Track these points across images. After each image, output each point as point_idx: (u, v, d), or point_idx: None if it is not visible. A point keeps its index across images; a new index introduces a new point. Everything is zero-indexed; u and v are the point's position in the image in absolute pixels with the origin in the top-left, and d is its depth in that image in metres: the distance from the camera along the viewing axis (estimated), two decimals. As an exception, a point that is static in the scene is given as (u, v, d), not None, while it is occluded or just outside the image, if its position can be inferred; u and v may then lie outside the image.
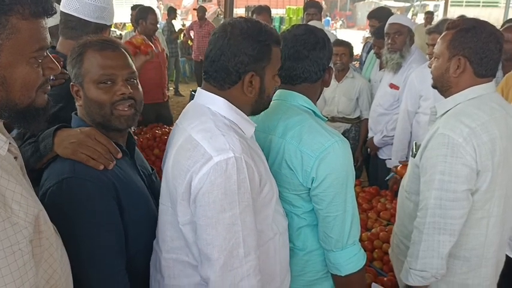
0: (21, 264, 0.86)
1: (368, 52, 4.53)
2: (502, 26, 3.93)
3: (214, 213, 1.23)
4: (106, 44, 1.41)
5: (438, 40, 1.77)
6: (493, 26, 1.71)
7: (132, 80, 1.43)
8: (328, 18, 20.12)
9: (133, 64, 1.46)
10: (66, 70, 1.71)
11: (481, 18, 1.76)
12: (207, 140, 1.26)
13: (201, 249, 1.28)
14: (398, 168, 2.94)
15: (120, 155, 1.41)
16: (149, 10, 4.84)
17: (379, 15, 4.45)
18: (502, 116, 1.69)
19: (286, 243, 1.51)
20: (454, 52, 1.69)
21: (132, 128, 1.52)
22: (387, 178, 3.24)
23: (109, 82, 1.38)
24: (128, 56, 1.44)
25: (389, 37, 3.48)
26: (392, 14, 4.52)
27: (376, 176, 3.80)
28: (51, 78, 1.69)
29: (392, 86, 3.54)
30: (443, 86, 1.77)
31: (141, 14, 4.74)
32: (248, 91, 1.36)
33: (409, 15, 17.69)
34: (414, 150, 1.84)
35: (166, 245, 1.39)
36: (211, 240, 1.25)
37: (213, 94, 1.37)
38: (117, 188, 1.35)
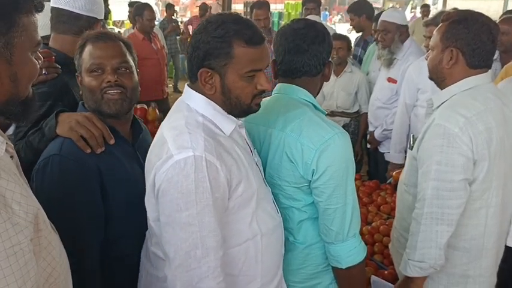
0: (22, 264, 0.87)
1: (358, 45, 4.54)
2: (500, 18, 3.92)
3: (171, 211, 1.23)
4: (100, 36, 1.52)
5: (434, 32, 1.79)
6: (486, 17, 1.72)
7: (122, 68, 1.51)
8: (326, 12, 20.06)
9: (127, 54, 1.54)
10: (59, 65, 1.78)
11: (480, 11, 1.77)
12: (173, 137, 1.27)
13: (162, 246, 1.29)
14: (394, 174, 2.98)
15: (112, 141, 1.49)
16: (145, 6, 4.85)
17: (355, 8, 4.51)
18: (498, 106, 1.69)
19: (274, 245, 1.46)
20: (447, 44, 1.70)
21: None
22: (386, 183, 3.27)
23: (99, 71, 1.48)
24: (121, 46, 1.54)
25: (379, 34, 3.57)
26: (370, 6, 4.56)
27: (376, 169, 3.81)
28: (44, 72, 1.72)
29: (390, 79, 3.56)
30: (438, 77, 1.78)
31: (138, 11, 4.75)
32: (206, 88, 1.32)
33: (408, 9, 17.60)
34: (411, 142, 1.85)
35: (151, 238, 1.43)
36: (168, 238, 1.25)
37: (191, 90, 1.38)
38: (100, 171, 1.44)
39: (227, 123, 1.36)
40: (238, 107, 1.35)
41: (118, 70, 1.49)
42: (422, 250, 1.68)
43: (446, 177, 1.62)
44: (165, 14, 10.42)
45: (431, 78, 1.83)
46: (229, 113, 1.36)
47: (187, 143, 1.24)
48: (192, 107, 1.35)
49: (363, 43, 4.55)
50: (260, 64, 1.32)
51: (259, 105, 1.39)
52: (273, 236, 1.44)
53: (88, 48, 1.49)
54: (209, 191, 1.22)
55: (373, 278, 2.06)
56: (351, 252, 1.53)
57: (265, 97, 1.73)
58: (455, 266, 1.75)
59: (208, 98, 1.34)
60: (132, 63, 1.55)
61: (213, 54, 1.28)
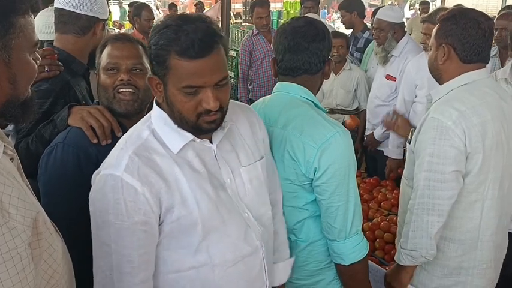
0: (20, 268, 0.86)
1: (353, 44, 4.55)
2: (498, 14, 3.94)
3: (93, 226, 1.22)
4: (118, 37, 1.61)
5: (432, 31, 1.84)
6: (476, 13, 1.77)
7: (137, 70, 1.55)
8: (325, 10, 20.02)
9: (143, 57, 1.58)
10: (61, 64, 1.82)
11: (479, 6, 1.81)
12: (113, 150, 1.26)
13: None
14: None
15: (120, 134, 1.51)
16: (143, 6, 4.88)
17: (346, 5, 4.54)
18: (495, 100, 1.72)
19: (237, 277, 1.32)
20: (440, 41, 1.76)
21: None
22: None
23: (114, 70, 1.54)
24: (138, 49, 1.58)
25: (374, 31, 3.60)
26: (361, 3, 4.58)
27: (375, 167, 3.80)
28: (46, 70, 1.74)
29: (388, 77, 3.55)
30: (435, 74, 1.83)
31: (136, 11, 4.79)
32: (158, 96, 1.24)
33: (407, 6, 17.56)
34: (409, 137, 1.88)
35: None
36: (93, 253, 1.23)
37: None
38: (99, 163, 1.43)
39: (175, 140, 1.24)
40: (184, 122, 1.22)
41: (132, 70, 1.54)
42: (414, 239, 1.72)
43: (437, 168, 1.66)
44: (160, 14, 10.44)
45: (433, 76, 1.87)
46: (179, 126, 1.24)
47: (114, 159, 1.21)
48: (151, 118, 1.29)
49: (353, 39, 4.56)
50: (199, 80, 1.16)
51: (214, 124, 1.23)
52: (235, 267, 1.31)
53: (107, 48, 1.56)
54: (124, 213, 1.16)
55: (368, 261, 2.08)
56: (354, 249, 1.54)
57: (265, 96, 1.75)
58: (449, 259, 1.78)
59: (163, 109, 1.26)
60: (147, 65, 1.56)
61: (155, 61, 1.20)
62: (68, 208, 1.40)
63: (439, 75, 1.81)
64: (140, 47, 1.60)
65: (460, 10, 1.79)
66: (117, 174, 1.17)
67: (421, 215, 1.70)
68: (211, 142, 1.30)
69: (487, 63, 1.78)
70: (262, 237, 1.37)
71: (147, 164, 1.19)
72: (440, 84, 1.83)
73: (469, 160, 1.66)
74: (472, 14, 1.74)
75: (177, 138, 1.24)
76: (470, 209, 1.72)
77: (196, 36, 1.13)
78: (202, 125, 1.22)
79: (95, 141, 1.49)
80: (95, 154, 1.48)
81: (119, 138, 1.45)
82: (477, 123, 1.64)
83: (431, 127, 1.67)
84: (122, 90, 1.52)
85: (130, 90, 1.53)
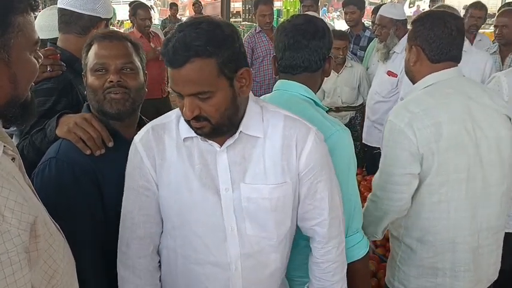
0: (8, 273, 0.83)
1: (355, 43, 4.54)
2: (498, 11, 3.94)
3: None
4: (106, 35, 1.50)
5: None
6: (445, 13, 1.80)
7: (127, 69, 1.48)
8: (324, 8, 19.99)
9: (133, 54, 1.51)
10: (64, 63, 1.81)
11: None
12: None
13: None
14: None
15: (111, 144, 1.46)
16: (139, 6, 4.89)
17: (357, 1, 4.51)
18: (458, 100, 1.70)
19: (194, 276, 1.36)
20: (410, 43, 1.79)
21: None
22: None
23: (103, 70, 1.46)
24: (128, 47, 1.50)
25: (376, 28, 3.63)
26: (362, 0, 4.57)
27: (374, 165, 3.79)
28: (49, 69, 1.74)
29: (390, 73, 3.56)
30: (410, 76, 1.85)
31: (133, 11, 4.80)
32: None
33: (407, 4, 17.54)
34: None
35: None
36: None
37: None
38: (97, 174, 1.43)
39: (184, 129, 1.30)
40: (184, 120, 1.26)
41: (122, 70, 1.46)
42: (364, 224, 1.77)
43: (389, 170, 1.70)
44: (155, 14, 10.43)
45: (408, 78, 1.89)
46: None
47: (142, 129, 1.38)
48: None
49: (354, 38, 4.55)
50: (176, 87, 1.18)
51: (200, 131, 1.23)
52: (198, 266, 1.35)
53: (94, 48, 1.47)
54: (132, 176, 1.35)
55: None
56: (354, 247, 1.54)
57: (265, 94, 1.75)
58: (422, 259, 1.77)
59: None
60: (138, 64, 1.51)
61: None
62: (70, 226, 1.32)
63: (413, 76, 1.83)
64: (129, 44, 1.51)
65: (428, 12, 1.84)
66: (135, 141, 1.35)
67: (370, 210, 1.78)
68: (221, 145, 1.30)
69: (458, 62, 1.77)
70: (242, 260, 1.33)
71: (156, 140, 1.32)
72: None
73: (424, 161, 1.66)
74: (438, 15, 1.77)
75: (185, 128, 1.29)
76: (436, 210, 1.71)
77: (174, 45, 1.13)
78: (192, 128, 1.24)
79: (88, 152, 1.42)
80: (90, 165, 1.42)
81: (113, 148, 1.44)
82: (430, 124, 1.64)
83: (387, 130, 1.71)
84: (112, 91, 1.45)
85: (122, 91, 1.45)
